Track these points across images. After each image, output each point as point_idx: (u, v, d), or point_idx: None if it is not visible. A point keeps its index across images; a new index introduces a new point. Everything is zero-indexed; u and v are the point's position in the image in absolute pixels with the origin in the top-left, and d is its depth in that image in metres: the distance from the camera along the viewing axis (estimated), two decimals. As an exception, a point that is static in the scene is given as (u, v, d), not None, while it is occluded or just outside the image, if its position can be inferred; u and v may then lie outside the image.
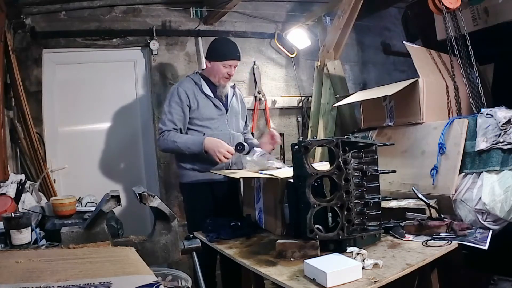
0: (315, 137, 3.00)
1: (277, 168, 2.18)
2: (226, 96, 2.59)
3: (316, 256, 1.51)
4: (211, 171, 2.41)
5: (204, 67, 3.44)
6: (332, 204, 1.59)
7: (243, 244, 1.87)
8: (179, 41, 3.47)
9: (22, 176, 2.36)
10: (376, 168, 1.69)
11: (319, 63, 3.29)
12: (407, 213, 1.92)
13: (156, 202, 1.41)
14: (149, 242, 1.42)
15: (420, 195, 1.92)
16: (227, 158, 2.34)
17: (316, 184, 1.65)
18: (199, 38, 3.50)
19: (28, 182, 2.35)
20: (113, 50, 3.31)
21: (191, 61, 3.51)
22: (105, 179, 3.22)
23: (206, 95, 2.51)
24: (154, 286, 0.89)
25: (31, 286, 0.87)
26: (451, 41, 2.28)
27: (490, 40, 2.59)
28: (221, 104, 2.55)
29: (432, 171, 2.02)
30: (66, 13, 3.17)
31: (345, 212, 1.57)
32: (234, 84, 2.74)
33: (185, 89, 2.48)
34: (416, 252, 1.56)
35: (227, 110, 2.57)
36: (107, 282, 0.90)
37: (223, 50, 2.52)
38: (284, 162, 3.55)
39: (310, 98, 3.56)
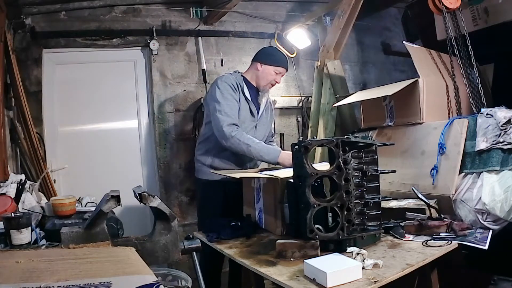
0: (315, 137, 3.00)
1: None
2: (259, 105, 2.59)
3: (316, 256, 1.51)
4: (211, 171, 2.41)
5: (204, 67, 3.48)
6: (332, 204, 1.59)
7: (243, 244, 1.87)
8: (179, 41, 3.48)
9: (22, 176, 2.36)
10: (376, 168, 1.69)
11: (319, 63, 3.29)
12: (407, 213, 1.92)
13: (156, 202, 1.41)
14: (149, 242, 1.42)
15: (420, 195, 1.92)
16: None
17: (316, 184, 1.65)
18: (199, 38, 3.51)
19: (28, 182, 2.35)
20: (113, 50, 3.31)
21: (191, 61, 3.51)
22: (105, 179, 3.22)
23: (245, 97, 2.50)
24: (154, 286, 0.89)
25: (31, 286, 0.87)
26: (451, 41, 2.28)
27: (490, 40, 2.59)
28: (256, 110, 2.55)
29: (432, 171, 2.02)
30: (66, 13, 3.17)
31: (345, 212, 1.57)
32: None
33: (233, 83, 2.47)
34: (416, 252, 1.56)
35: (258, 118, 2.57)
36: (107, 282, 0.90)
37: (278, 56, 2.56)
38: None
39: (310, 98, 3.56)
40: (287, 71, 2.61)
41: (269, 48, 2.69)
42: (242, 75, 2.58)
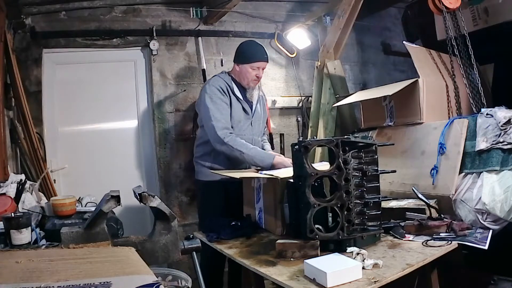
0: (315, 137, 3.00)
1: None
2: (251, 102, 2.59)
3: (316, 256, 1.51)
4: (210, 171, 2.41)
5: (204, 67, 3.48)
6: (332, 204, 1.59)
7: (243, 244, 1.87)
8: (179, 41, 3.47)
9: (22, 176, 2.36)
10: (376, 168, 1.69)
11: (319, 63, 3.29)
12: (407, 213, 1.92)
13: (156, 202, 1.41)
14: (149, 242, 1.42)
15: (420, 195, 1.92)
16: None
17: (316, 184, 1.65)
18: (199, 38, 3.50)
19: (28, 182, 2.35)
20: (113, 50, 3.30)
21: (191, 61, 3.51)
22: (105, 179, 3.21)
23: (236, 97, 2.51)
24: (154, 286, 0.89)
25: (31, 286, 0.88)
26: (451, 41, 2.28)
27: (490, 40, 2.59)
28: (249, 108, 2.55)
29: (432, 171, 2.02)
30: (66, 13, 3.16)
31: (345, 212, 1.57)
32: (259, 87, 2.69)
33: (222, 86, 2.47)
34: (416, 252, 1.56)
35: (252, 115, 2.58)
36: (107, 282, 0.90)
37: (250, 52, 2.54)
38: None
39: (310, 98, 3.56)
40: (266, 62, 2.57)
41: (240, 45, 2.62)
42: (230, 75, 2.58)
